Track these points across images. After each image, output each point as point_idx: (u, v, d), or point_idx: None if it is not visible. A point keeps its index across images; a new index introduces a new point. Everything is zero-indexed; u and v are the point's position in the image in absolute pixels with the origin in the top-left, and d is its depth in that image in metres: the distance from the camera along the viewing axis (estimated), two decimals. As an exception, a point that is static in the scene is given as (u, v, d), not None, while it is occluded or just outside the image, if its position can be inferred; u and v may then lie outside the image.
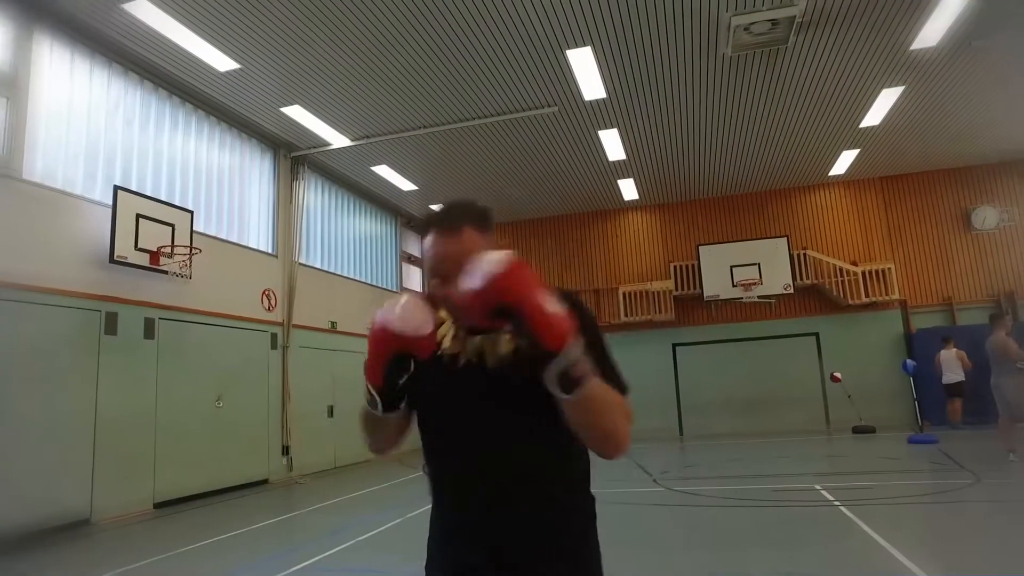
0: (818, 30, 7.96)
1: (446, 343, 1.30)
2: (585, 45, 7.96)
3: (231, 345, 8.90)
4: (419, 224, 1.70)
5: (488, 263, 1.04)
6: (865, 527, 4.88)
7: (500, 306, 1.03)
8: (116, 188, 7.07)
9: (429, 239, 1.24)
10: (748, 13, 7.51)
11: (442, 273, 1.21)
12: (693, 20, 7.62)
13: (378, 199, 13.52)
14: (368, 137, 10.23)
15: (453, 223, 1.22)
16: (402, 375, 1.21)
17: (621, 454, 1.17)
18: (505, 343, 1.24)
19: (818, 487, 6.66)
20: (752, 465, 8.89)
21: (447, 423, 1.31)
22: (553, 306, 1.04)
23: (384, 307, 1.17)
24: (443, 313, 1.29)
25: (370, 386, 1.23)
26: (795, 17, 7.54)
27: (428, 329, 1.15)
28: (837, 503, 5.83)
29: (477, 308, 1.04)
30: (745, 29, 7.84)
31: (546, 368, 1.04)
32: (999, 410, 7.46)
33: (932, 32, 8.06)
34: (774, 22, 7.72)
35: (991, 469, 7.08)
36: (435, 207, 1.31)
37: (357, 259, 12.94)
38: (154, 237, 7.41)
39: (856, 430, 12.00)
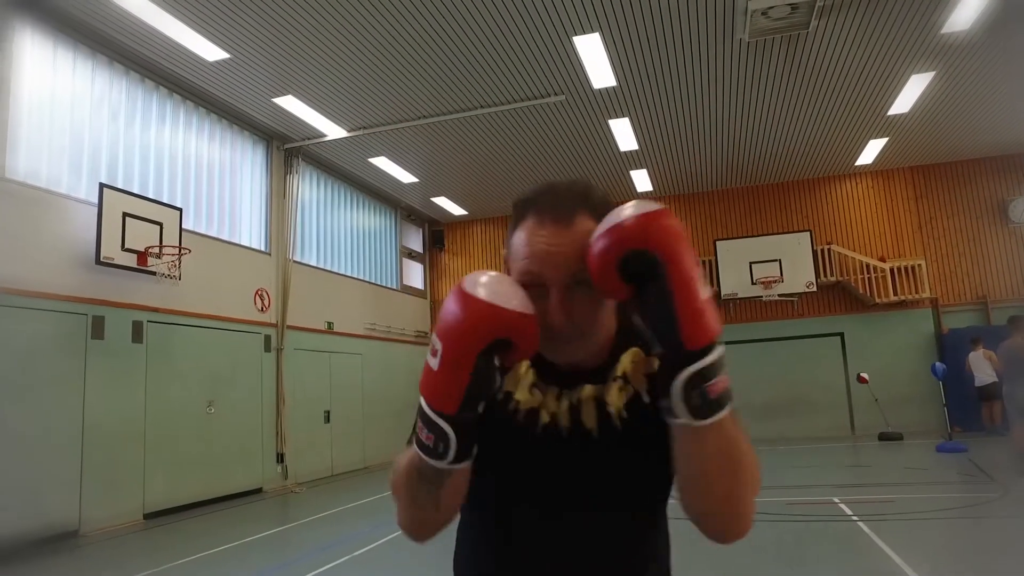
0: (841, 14, 7.95)
1: (520, 394, 1.00)
2: (593, 31, 7.99)
3: (222, 348, 9.04)
4: (517, 208, 0.97)
5: (634, 206, 0.84)
6: (883, 545, 4.94)
7: (638, 256, 0.81)
8: (102, 186, 7.19)
9: (526, 229, 0.94)
10: (766, -3, 7.51)
11: (541, 278, 0.90)
12: (708, 5, 7.63)
13: (377, 191, 13.61)
14: (366, 128, 10.31)
15: (564, 210, 0.92)
16: (487, 390, 0.85)
17: (743, 534, 0.90)
18: (616, 394, 0.97)
19: (836, 500, 6.71)
20: (768, 475, 8.88)
21: (512, 511, 1.00)
22: (705, 287, 0.83)
23: (464, 280, 0.86)
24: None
25: (435, 414, 0.84)
26: (816, 1, 7.54)
27: (532, 310, 0.84)
28: (855, 518, 5.89)
29: (605, 257, 0.82)
30: (763, 14, 7.84)
31: (675, 375, 0.81)
32: (1009, 420, 7.47)
33: (964, 15, 8.03)
34: (794, 6, 7.70)
35: (1020, 482, 7.09)
36: (535, 188, 0.99)
37: (354, 255, 13.05)
38: (142, 237, 7.53)
39: (883, 437, 12.01)
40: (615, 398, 0.96)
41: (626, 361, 0.99)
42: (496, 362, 0.85)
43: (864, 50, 8.80)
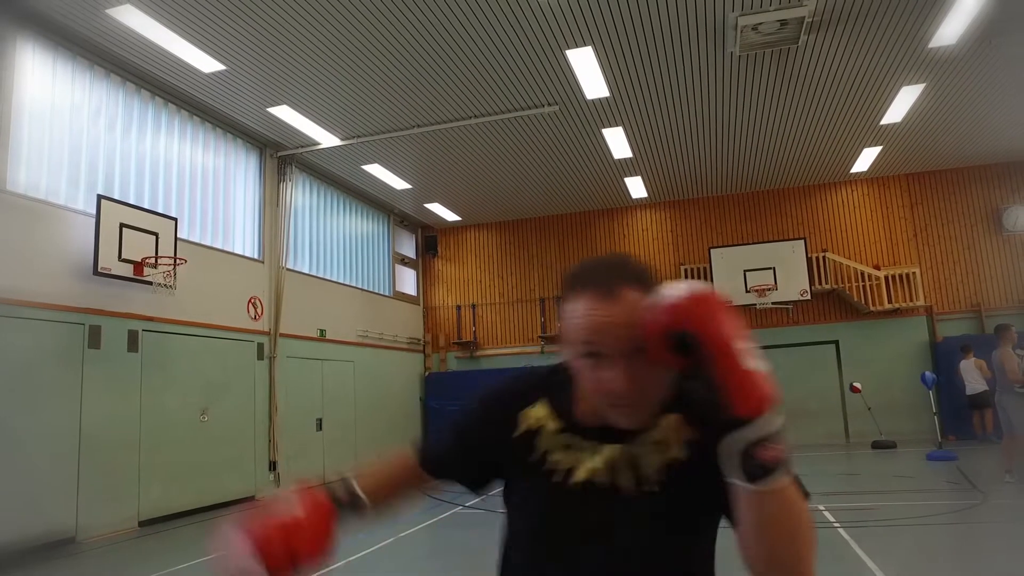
0: (830, 29, 8.34)
1: (557, 455, 1.13)
2: (585, 45, 8.36)
3: (216, 356, 9.37)
4: (566, 284, 1.10)
5: (678, 287, 0.95)
6: (859, 550, 5.30)
7: (682, 334, 0.92)
8: (100, 197, 7.52)
9: (577, 304, 1.04)
10: (755, 13, 7.90)
11: (600, 347, 1.01)
12: (698, 20, 8.01)
13: (370, 198, 13.96)
14: (360, 136, 10.66)
15: (610, 284, 1.02)
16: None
17: None
18: (655, 451, 1.08)
19: (821, 507, 7.08)
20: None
21: (568, 558, 1.11)
22: (755, 357, 0.91)
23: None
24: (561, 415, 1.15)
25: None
26: (804, 17, 7.93)
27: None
28: (837, 524, 6.25)
29: (654, 334, 0.95)
30: (753, 29, 8.22)
31: (729, 439, 0.90)
32: (1003, 428, 7.87)
33: (950, 30, 8.42)
34: (783, 22, 8.10)
35: (1003, 490, 7.48)
36: (579, 266, 1.12)
37: (348, 262, 13.39)
38: (138, 247, 7.86)
39: (876, 445, 12.41)
40: (654, 454, 1.08)
41: (664, 426, 1.09)
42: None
43: (854, 63, 9.20)
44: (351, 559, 5.94)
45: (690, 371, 0.95)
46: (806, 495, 0.97)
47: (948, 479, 8.57)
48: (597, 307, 1.01)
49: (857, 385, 12.60)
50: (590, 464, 1.10)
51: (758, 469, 0.88)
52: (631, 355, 0.99)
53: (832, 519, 6.51)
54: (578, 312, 1.03)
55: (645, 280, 1.04)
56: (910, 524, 6.25)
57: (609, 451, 1.09)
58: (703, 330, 0.90)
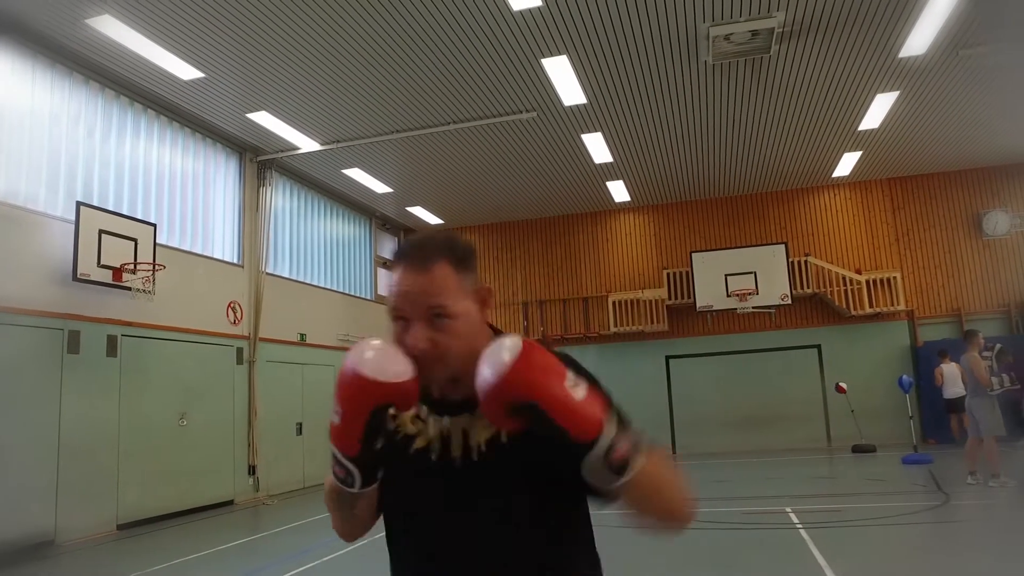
0: (801, 39, 8.74)
1: (407, 427, 1.27)
2: (560, 54, 8.73)
3: (195, 361, 9.68)
4: (393, 257, 1.34)
5: (495, 355, 1.04)
6: (814, 550, 5.68)
7: (519, 404, 1.03)
8: (79, 204, 7.83)
9: (396, 274, 1.18)
10: (725, 24, 8.29)
11: (403, 313, 1.16)
12: (670, 30, 8.39)
13: (351, 201, 14.29)
14: (339, 141, 11.00)
15: (424, 256, 1.17)
16: (379, 437, 1.14)
17: (682, 530, 1.17)
18: (481, 427, 1.20)
19: (789, 510, 7.47)
20: (735, 487, 9.70)
21: (414, 527, 1.26)
22: (577, 388, 1.05)
23: (351, 354, 1.12)
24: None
25: (343, 456, 1.14)
26: (775, 28, 8.33)
27: (410, 374, 1.11)
28: (800, 526, 6.64)
29: (494, 409, 1.05)
30: (725, 39, 8.61)
31: (585, 462, 1.04)
32: (968, 430, 8.29)
33: (919, 41, 8.83)
34: (754, 32, 8.49)
35: (966, 491, 7.90)
36: (405, 241, 1.29)
37: (328, 266, 13.72)
38: (117, 253, 8.17)
39: (856, 449, 12.82)
40: (479, 434, 1.20)
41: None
42: (386, 414, 1.13)
43: (828, 72, 9.61)
44: (323, 559, 6.27)
45: (529, 425, 1.06)
46: (627, 424, 1.12)
47: (916, 482, 8.98)
48: (408, 277, 1.16)
49: (843, 385, 12.98)
50: (427, 434, 1.24)
51: (619, 468, 1.03)
52: (429, 320, 1.14)
53: (796, 520, 6.90)
54: (394, 281, 1.18)
55: (462, 258, 1.20)
56: (869, 525, 6.64)
57: (444, 423, 1.23)
58: (538, 397, 1.01)
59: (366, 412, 1.10)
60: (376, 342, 1.13)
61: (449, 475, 1.21)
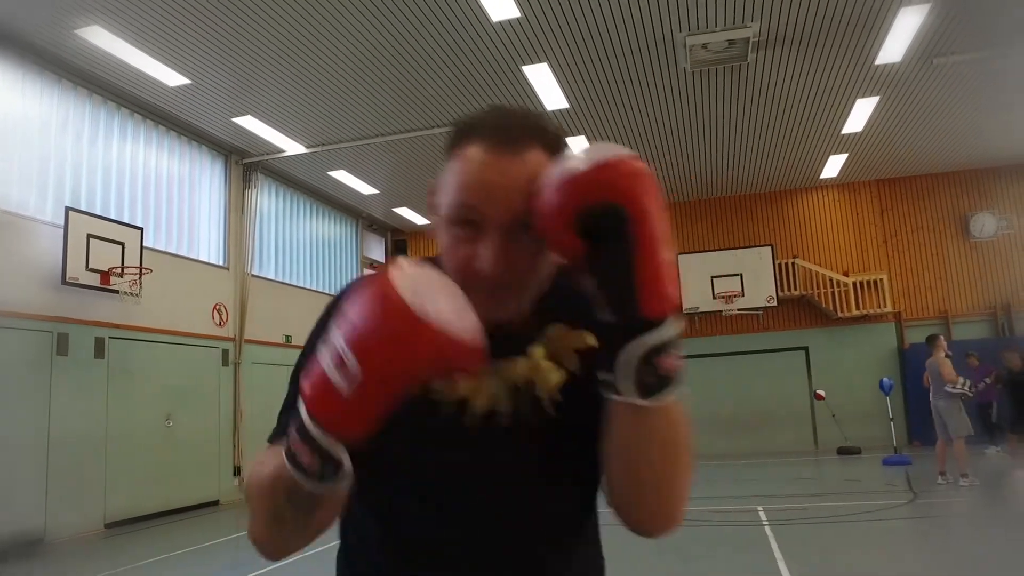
0: (778, 48, 9.12)
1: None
2: (541, 61, 9.11)
3: (181, 363, 10.06)
4: (457, 133, 0.92)
5: (597, 148, 0.78)
6: (774, 545, 6.08)
7: (598, 210, 0.75)
8: (67, 209, 8.20)
9: (466, 158, 0.88)
10: (701, 34, 8.67)
11: (476, 214, 0.85)
12: (647, 39, 8.76)
13: (337, 203, 14.67)
14: (325, 144, 11.37)
15: (514, 136, 0.87)
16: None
17: (674, 527, 0.91)
18: (552, 371, 0.85)
19: (759, 508, 7.86)
20: (714, 487, 10.08)
21: (440, 503, 0.94)
22: (670, 246, 0.79)
23: (395, 279, 0.71)
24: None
25: (329, 439, 0.72)
26: (750, 38, 8.71)
27: (480, 327, 0.74)
28: (766, 523, 7.04)
29: (562, 210, 0.77)
30: (702, 47, 8.99)
31: (625, 346, 0.76)
32: (938, 432, 8.67)
33: (894, 49, 9.21)
34: (731, 41, 8.87)
35: (932, 491, 8.29)
36: (479, 112, 0.96)
37: (314, 268, 14.09)
38: (105, 257, 8.54)
39: (841, 451, 13.22)
40: (552, 374, 0.85)
41: (554, 338, 0.87)
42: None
43: (806, 79, 9.99)
44: (305, 554, 6.65)
45: (586, 262, 0.79)
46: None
47: (888, 482, 9.37)
48: (493, 161, 0.85)
49: (821, 392, 13.36)
50: (486, 390, 0.85)
51: (654, 381, 0.77)
52: (514, 232, 0.84)
53: (763, 518, 7.29)
54: (466, 166, 0.87)
55: (557, 144, 0.90)
56: (832, 522, 7.04)
57: (502, 369, 0.85)
58: (632, 206, 0.76)
59: (413, 383, 0.72)
60: (428, 270, 0.75)
61: (507, 439, 0.89)
